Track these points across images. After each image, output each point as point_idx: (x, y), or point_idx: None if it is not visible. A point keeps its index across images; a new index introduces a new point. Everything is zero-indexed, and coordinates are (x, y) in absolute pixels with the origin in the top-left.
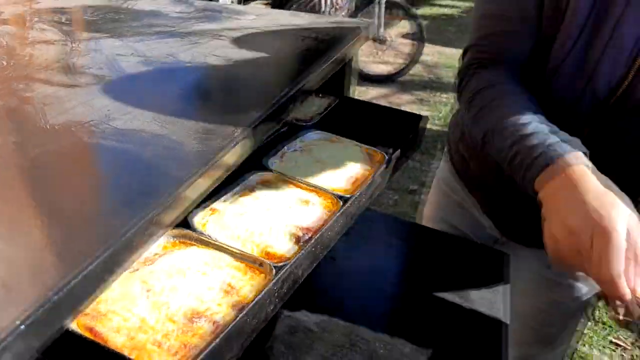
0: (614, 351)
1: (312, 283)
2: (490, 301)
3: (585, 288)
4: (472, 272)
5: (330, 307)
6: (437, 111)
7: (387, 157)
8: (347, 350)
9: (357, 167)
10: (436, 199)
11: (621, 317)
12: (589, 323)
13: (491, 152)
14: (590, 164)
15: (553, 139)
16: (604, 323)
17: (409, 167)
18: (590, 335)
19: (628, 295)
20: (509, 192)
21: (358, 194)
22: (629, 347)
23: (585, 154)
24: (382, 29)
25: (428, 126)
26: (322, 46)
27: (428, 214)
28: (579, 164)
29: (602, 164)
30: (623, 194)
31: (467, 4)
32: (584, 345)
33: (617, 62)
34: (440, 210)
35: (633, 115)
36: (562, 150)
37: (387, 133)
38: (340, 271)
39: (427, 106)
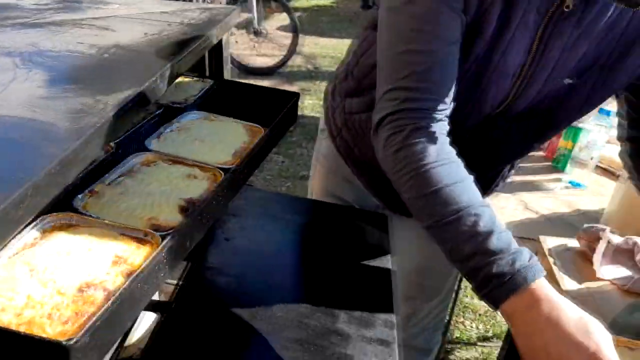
0: None
1: (209, 264)
2: (378, 257)
3: None
4: (360, 235)
5: (230, 285)
6: (319, 99)
7: (266, 130)
8: (247, 319)
9: (238, 142)
10: (322, 174)
11: None
12: None
13: (436, 234)
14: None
15: (518, 259)
16: None
17: (297, 154)
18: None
19: None
20: None
21: (240, 163)
22: None
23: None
24: (260, 22)
25: (312, 114)
26: (188, 30)
27: (316, 189)
28: (544, 287)
29: (478, 154)
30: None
31: None
32: (466, 296)
33: (502, 86)
34: (327, 184)
35: (508, 122)
36: (530, 276)
37: (266, 111)
38: (236, 251)
39: (309, 95)
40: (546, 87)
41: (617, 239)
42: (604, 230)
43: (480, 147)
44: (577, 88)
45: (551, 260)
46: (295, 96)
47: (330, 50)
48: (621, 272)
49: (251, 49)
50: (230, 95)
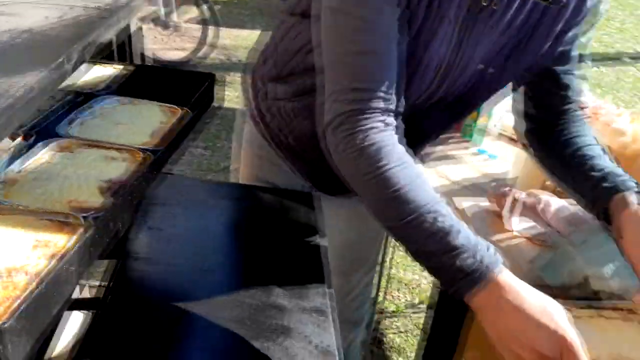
0: (416, 268)
1: (139, 255)
2: (309, 235)
3: None
4: (289, 215)
5: (162, 274)
6: (237, 91)
7: (184, 110)
8: (183, 306)
9: (156, 123)
10: (247, 159)
11: None
12: (398, 251)
13: (398, 234)
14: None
15: (480, 251)
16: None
17: (217, 146)
18: (397, 260)
19: None
20: (324, 158)
21: (160, 142)
22: None
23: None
24: (169, 15)
25: (232, 105)
26: (94, 14)
27: (244, 175)
28: (506, 276)
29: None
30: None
31: None
32: (392, 268)
33: (425, 78)
34: (254, 169)
35: (430, 109)
36: (492, 267)
37: (183, 93)
38: (166, 240)
39: (231, 87)
40: (464, 75)
41: (522, 195)
42: (510, 188)
43: (405, 133)
44: (490, 73)
45: (465, 218)
46: (210, 77)
47: (249, 42)
48: (527, 224)
49: (161, 42)
50: (145, 80)
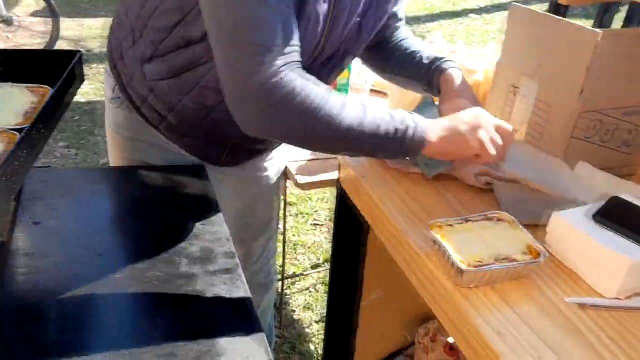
0: (315, 230)
1: (24, 252)
2: (203, 205)
3: (274, 174)
4: (181, 190)
5: (52, 267)
6: (101, 82)
7: (52, 90)
8: (84, 292)
9: (27, 104)
10: (123, 144)
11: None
12: (291, 218)
13: (360, 138)
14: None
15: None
16: (302, 213)
17: (91, 143)
18: (296, 226)
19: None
20: (213, 132)
21: (33, 123)
22: (324, 223)
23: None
24: (3, 10)
25: (95, 99)
26: None
27: (116, 160)
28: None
29: None
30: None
31: None
32: (294, 235)
33: (315, 35)
34: (130, 153)
35: (319, 65)
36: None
37: (51, 72)
38: (50, 233)
39: (88, 80)
40: (346, 29)
41: None
42: None
43: None
44: (364, 25)
45: None
46: (77, 53)
47: (99, 30)
48: None
49: (4, 40)
50: (8, 63)
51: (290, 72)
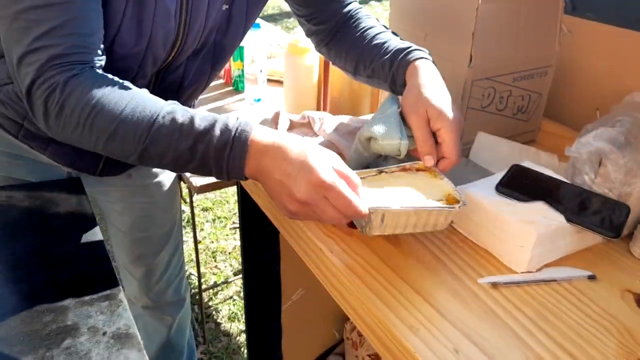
0: (235, 234)
1: None
2: (80, 223)
3: (167, 179)
4: (50, 209)
5: None
6: None
7: None
8: None
9: None
10: None
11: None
12: (208, 224)
13: (150, 157)
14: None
15: (228, 122)
16: (219, 218)
17: None
18: (214, 232)
19: (366, 211)
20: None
21: None
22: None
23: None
24: None
25: None
26: None
27: None
28: (264, 134)
29: (164, 97)
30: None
31: None
32: (212, 242)
33: (168, 27)
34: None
35: (185, 61)
36: (247, 130)
37: None
38: None
39: None
40: (209, 18)
41: (295, 117)
42: (278, 111)
43: (164, 90)
44: (234, 13)
45: None
46: None
47: None
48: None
49: None
50: None
51: (58, 75)
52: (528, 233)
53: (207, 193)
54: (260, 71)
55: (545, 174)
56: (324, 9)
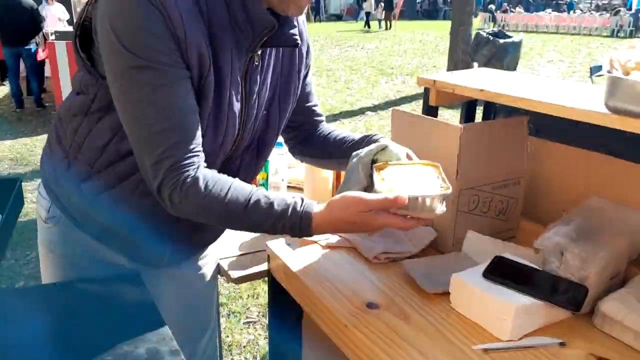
0: (249, 328)
1: None
2: (144, 310)
3: (209, 272)
4: (118, 299)
5: None
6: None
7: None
8: None
9: None
10: (54, 262)
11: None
12: (223, 318)
13: (252, 228)
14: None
15: (298, 205)
16: (233, 312)
17: (3, 267)
18: (229, 326)
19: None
20: (146, 226)
21: None
22: (257, 320)
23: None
24: None
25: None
26: None
27: (49, 280)
28: (321, 209)
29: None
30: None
31: None
32: (227, 336)
33: (234, 128)
34: (62, 270)
35: (241, 154)
36: (308, 208)
37: None
38: None
39: None
40: (256, 120)
41: None
42: None
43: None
44: (271, 116)
45: None
46: (17, 181)
47: (6, 152)
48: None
49: None
50: None
51: (194, 172)
52: (508, 308)
53: (221, 289)
54: (282, 180)
55: (522, 263)
56: (304, 122)
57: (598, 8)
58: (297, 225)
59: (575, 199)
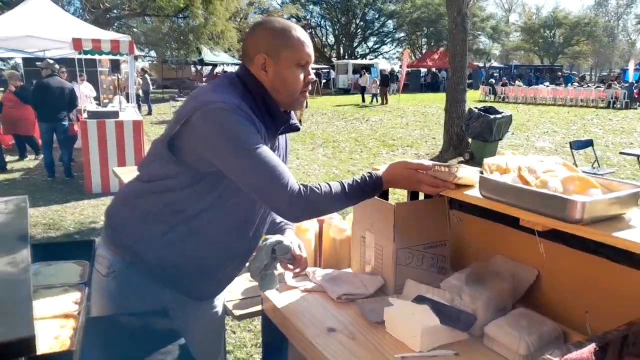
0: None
1: None
2: (173, 339)
3: (220, 309)
4: (155, 328)
5: None
6: None
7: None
8: None
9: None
10: (105, 307)
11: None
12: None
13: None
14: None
15: (370, 175)
16: (250, 330)
17: None
18: (238, 345)
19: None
20: (201, 267)
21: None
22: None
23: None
24: None
25: None
26: None
27: None
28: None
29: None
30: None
31: None
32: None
33: None
34: (110, 310)
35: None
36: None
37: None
38: None
39: None
40: None
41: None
42: None
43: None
44: None
45: None
46: (92, 242)
47: (40, 217)
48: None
49: None
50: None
51: (303, 188)
52: (417, 328)
53: (229, 339)
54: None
55: (436, 299)
56: None
57: (603, 81)
58: (376, 187)
59: (487, 256)
